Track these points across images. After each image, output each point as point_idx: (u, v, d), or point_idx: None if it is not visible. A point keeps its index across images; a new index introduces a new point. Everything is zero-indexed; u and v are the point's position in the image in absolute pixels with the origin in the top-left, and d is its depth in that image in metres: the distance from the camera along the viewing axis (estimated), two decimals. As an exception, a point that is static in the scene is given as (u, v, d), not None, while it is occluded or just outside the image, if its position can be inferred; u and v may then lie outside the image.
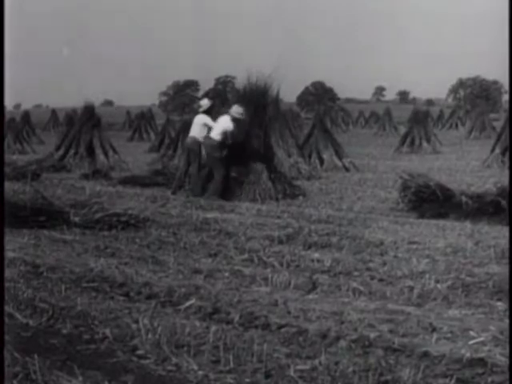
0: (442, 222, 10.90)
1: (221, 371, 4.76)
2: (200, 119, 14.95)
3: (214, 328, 5.56)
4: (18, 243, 9.13)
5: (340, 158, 22.19)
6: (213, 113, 15.07)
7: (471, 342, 5.22)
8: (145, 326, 5.62)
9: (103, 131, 24.17)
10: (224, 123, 14.39)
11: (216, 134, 14.30)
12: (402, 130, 39.78)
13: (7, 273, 7.21)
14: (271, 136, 15.61)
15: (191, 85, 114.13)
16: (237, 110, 14.39)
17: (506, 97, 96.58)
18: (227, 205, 13.29)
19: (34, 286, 7.03)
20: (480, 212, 11.12)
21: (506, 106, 56.99)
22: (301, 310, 6.07)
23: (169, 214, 11.92)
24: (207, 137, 14.48)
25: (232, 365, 4.84)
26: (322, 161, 22.03)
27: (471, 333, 5.43)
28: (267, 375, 4.69)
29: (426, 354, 4.98)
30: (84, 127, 23.32)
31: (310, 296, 6.63)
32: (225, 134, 14.27)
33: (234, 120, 14.30)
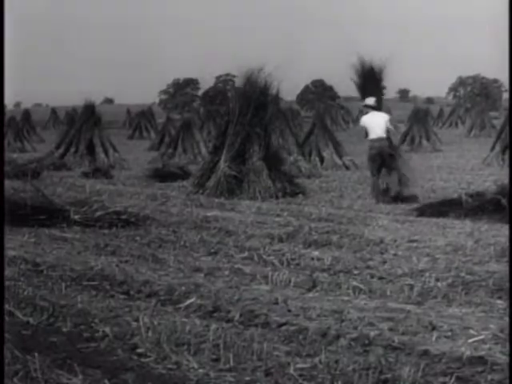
0: (441, 221, 10.89)
1: (221, 369, 4.76)
2: None
3: (214, 326, 5.56)
4: (18, 241, 9.14)
5: (340, 157, 22.18)
6: None
7: (471, 341, 5.22)
8: (145, 324, 5.62)
9: (103, 129, 24.20)
10: None
11: None
12: (402, 128, 39.75)
13: (7, 271, 7.22)
14: (271, 134, 15.59)
15: (191, 83, 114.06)
16: None
17: (506, 95, 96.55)
18: (227, 203, 13.30)
19: (34, 284, 7.04)
20: (480, 210, 11.11)
21: (506, 104, 56.91)
22: (301, 308, 6.07)
23: (169, 213, 11.93)
24: None
25: (232, 363, 4.84)
26: (322, 159, 22.03)
27: (471, 331, 5.43)
28: (267, 373, 4.70)
29: (425, 353, 4.98)
30: (84, 125, 23.34)
31: (310, 294, 6.63)
32: None
33: None
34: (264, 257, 8.19)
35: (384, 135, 13.58)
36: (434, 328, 5.51)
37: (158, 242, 9.23)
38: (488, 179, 17.09)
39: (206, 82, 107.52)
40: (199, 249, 8.74)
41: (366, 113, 14.03)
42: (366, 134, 13.73)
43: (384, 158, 13.51)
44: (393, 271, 7.45)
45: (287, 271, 7.44)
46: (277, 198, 14.11)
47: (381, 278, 7.19)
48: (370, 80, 15.54)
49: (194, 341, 5.25)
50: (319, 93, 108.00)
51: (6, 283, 6.52)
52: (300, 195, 14.46)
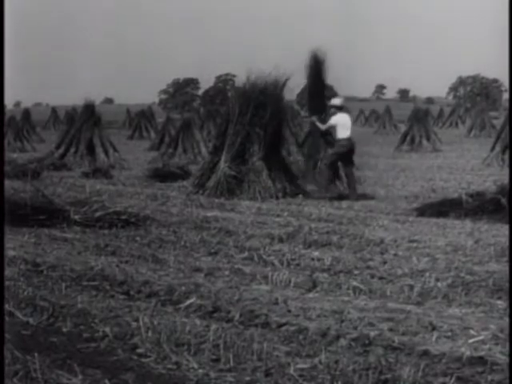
0: (442, 221, 10.90)
1: (221, 370, 4.77)
2: None
3: (214, 326, 5.56)
4: (18, 241, 9.13)
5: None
6: None
7: (471, 341, 5.22)
8: (145, 324, 5.62)
9: (103, 129, 24.17)
10: None
11: None
12: (402, 128, 39.78)
13: (7, 271, 7.22)
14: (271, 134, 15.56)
15: (191, 83, 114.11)
16: None
17: (506, 95, 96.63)
18: (227, 203, 13.30)
19: (34, 284, 7.04)
20: (480, 210, 11.12)
21: (506, 104, 56.99)
22: (301, 308, 6.07)
23: (169, 213, 11.93)
24: None
25: (232, 363, 4.84)
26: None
27: (471, 331, 5.43)
28: (267, 374, 4.70)
29: (425, 353, 4.98)
30: (84, 125, 23.32)
31: (310, 294, 6.63)
32: None
33: None
34: (264, 257, 8.19)
35: (350, 136, 14.54)
36: (434, 328, 5.51)
37: (158, 242, 9.23)
38: (488, 179, 17.11)
39: (206, 82, 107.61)
40: (199, 249, 8.74)
41: (334, 113, 14.78)
42: (327, 130, 14.87)
43: (349, 156, 14.55)
44: (393, 271, 7.46)
45: (287, 271, 7.44)
46: (277, 198, 14.11)
47: (381, 278, 7.19)
48: (316, 79, 15.54)
49: (194, 341, 5.25)
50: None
51: (6, 283, 6.53)
52: (300, 195, 14.46)
